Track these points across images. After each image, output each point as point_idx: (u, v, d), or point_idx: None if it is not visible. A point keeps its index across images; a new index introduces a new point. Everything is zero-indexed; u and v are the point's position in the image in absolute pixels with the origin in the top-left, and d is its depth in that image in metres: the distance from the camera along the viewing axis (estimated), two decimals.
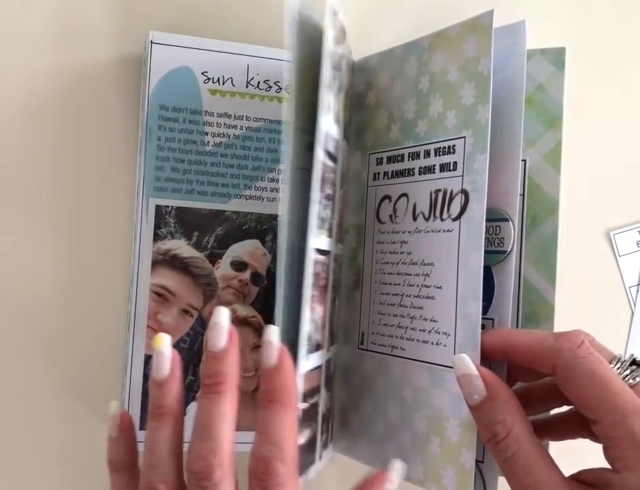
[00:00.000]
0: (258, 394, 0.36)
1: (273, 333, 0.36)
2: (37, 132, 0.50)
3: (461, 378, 0.38)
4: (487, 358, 0.40)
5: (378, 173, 0.48)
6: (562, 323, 0.44)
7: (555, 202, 0.45)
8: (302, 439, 0.41)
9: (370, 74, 0.50)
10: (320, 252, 0.42)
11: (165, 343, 0.37)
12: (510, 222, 0.42)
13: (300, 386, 0.39)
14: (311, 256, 0.39)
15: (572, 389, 0.37)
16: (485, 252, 0.41)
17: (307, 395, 0.42)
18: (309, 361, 0.41)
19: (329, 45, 0.40)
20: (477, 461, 0.41)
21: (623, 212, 0.59)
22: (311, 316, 0.40)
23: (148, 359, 0.49)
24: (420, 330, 0.44)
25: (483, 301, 0.42)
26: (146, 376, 0.49)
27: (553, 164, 0.45)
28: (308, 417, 0.42)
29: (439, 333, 0.42)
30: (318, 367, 0.44)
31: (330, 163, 0.43)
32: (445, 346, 0.42)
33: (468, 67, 0.42)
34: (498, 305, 0.42)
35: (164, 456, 0.36)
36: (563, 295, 0.44)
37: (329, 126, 0.42)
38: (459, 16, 0.52)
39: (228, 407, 0.35)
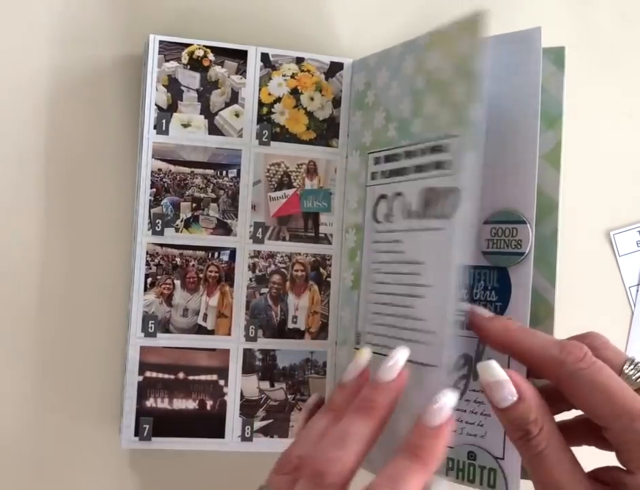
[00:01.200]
0: (405, 440, 0.36)
1: (445, 397, 0.36)
2: (36, 132, 0.50)
3: (491, 384, 0.38)
4: (490, 347, 0.41)
5: (376, 173, 0.48)
6: (562, 323, 0.44)
7: (555, 202, 0.44)
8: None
9: (369, 74, 0.50)
10: (186, 247, 0.50)
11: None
12: (528, 225, 0.43)
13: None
14: (140, 250, 0.49)
15: (578, 400, 0.37)
16: (502, 253, 0.43)
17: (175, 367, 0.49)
18: (162, 339, 0.49)
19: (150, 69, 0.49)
20: (497, 458, 0.42)
21: (623, 212, 0.59)
22: (161, 300, 0.49)
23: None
24: (410, 329, 0.43)
25: (499, 301, 0.43)
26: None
27: (553, 164, 0.45)
28: (201, 389, 0.50)
29: (425, 331, 0.42)
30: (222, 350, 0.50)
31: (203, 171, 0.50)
32: (429, 344, 0.41)
33: (461, 65, 0.41)
34: (515, 306, 0.43)
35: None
36: (563, 295, 0.44)
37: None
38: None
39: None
